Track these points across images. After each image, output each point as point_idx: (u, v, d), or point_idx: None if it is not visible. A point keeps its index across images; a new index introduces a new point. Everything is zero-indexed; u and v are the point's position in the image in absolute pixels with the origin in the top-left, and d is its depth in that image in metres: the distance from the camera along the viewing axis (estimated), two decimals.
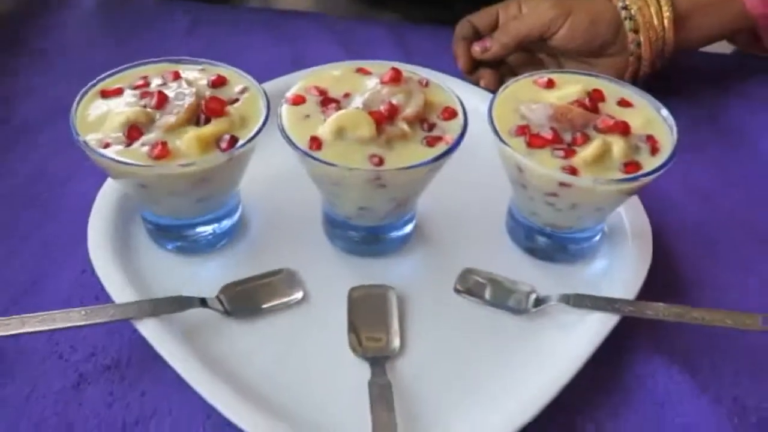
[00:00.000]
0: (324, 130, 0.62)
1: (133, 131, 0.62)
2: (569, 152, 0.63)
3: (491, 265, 0.71)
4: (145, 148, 0.61)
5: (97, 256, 0.67)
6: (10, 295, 0.67)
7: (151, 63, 0.70)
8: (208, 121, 0.64)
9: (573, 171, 0.62)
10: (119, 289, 0.65)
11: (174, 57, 0.71)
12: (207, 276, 0.69)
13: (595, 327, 0.64)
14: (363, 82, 0.69)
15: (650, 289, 0.67)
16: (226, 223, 0.72)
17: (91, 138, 0.62)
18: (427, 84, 0.70)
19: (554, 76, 0.72)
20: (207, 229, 0.71)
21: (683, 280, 0.72)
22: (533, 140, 0.64)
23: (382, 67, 0.71)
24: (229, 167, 0.63)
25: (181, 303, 0.64)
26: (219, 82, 0.68)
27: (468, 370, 0.63)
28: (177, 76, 0.69)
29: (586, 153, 0.63)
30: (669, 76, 0.94)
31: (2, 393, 0.60)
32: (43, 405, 0.59)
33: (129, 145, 0.61)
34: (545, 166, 0.62)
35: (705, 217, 0.80)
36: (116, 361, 0.63)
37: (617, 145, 0.64)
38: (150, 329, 0.61)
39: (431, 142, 0.63)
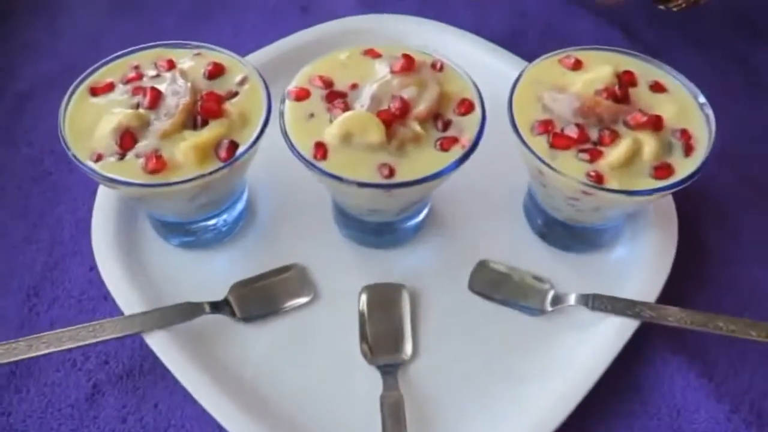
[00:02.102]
0: (330, 134, 0.58)
1: (126, 138, 0.58)
2: (595, 154, 0.58)
3: (507, 253, 0.68)
4: (140, 161, 0.57)
5: (102, 260, 0.65)
6: (26, 289, 0.66)
7: (144, 49, 0.65)
8: (205, 122, 0.59)
9: (598, 177, 0.57)
10: (125, 296, 0.63)
11: (167, 41, 0.65)
12: (215, 272, 0.67)
13: (615, 331, 0.62)
14: (372, 68, 0.63)
15: (675, 277, 0.64)
16: (233, 214, 0.69)
17: (83, 149, 0.58)
18: (441, 68, 0.64)
19: (581, 55, 0.65)
20: (213, 222, 0.68)
21: (709, 264, 0.69)
22: (557, 140, 0.59)
23: (392, 49, 0.64)
24: (230, 175, 0.59)
25: (190, 311, 0.62)
26: (216, 72, 0.63)
27: (482, 378, 0.61)
28: (171, 66, 0.63)
29: (613, 157, 0.58)
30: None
31: (19, 408, 0.60)
32: (59, 420, 0.59)
33: (122, 156, 0.57)
34: (568, 171, 0.57)
35: (734, 190, 0.74)
36: (129, 369, 0.62)
37: (648, 145, 0.58)
38: (158, 342, 0.60)
39: (446, 145, 0.58)
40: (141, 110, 0.59)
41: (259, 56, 0.79)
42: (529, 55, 0.83)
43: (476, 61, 0.81)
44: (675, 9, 0.76)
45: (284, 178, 0.72)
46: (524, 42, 0.88)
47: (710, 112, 0.60)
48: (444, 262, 0.68)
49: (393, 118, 0.58)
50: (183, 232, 0.67)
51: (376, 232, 0.69)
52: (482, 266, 0.67)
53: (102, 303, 0.66)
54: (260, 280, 0.66)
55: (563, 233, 0.68)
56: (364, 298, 0.64)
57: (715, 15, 0.89)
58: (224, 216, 0.68)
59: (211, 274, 0.67)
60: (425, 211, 0.70)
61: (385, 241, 0.69)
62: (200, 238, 0.68)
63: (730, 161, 0.75)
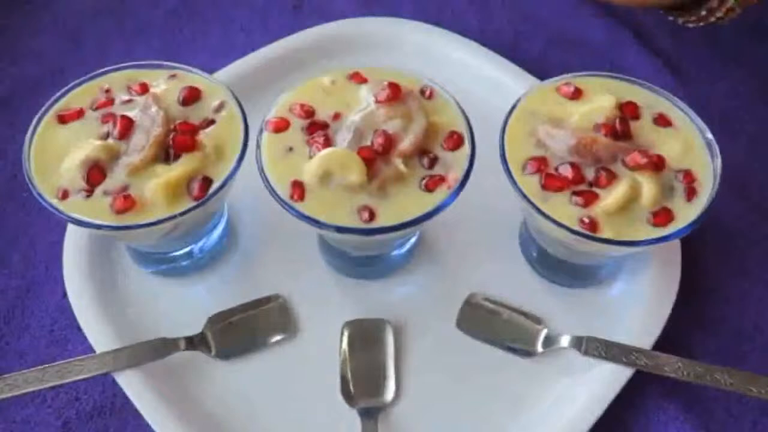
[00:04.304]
0: (308, 172, 0.56)
1: (94, 173, 0.56)
2: (590, 197, 0.56)
3: (499, 286, 0.67)
4: (108, 199, 0.55)
5: (73, 291, 0.64)
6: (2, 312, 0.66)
7: (116, 70, 0.63)
8: (178, 155, 0.57)
9: (592, 224, 0.55)
10: (97, 331, 0.62)
11: (140, 62, 0.63)
12: (192, 302, 0.66)
13: (608, 378, 0.61)
14: (357, 95, 0.61)
15: (676, 316, 0.63)
16: (212, 240, 0.68)
17: (48, 184, 0.56)
18: (431, 95, 0.61)
19: (581, 83, 0.62)
20: (190, 250, 0.67)
21: (713, 304, 0.67)
22: (549, 181, 0.57)
23: (378, 73, 0.62)
24: (204, 211, 0.57)
25: (163, 348, 0.61)
26: (191, 97, 0.61)
27: (467, 425, 0.60)
28: (144, 89, 0.62)
29: (608, 201, 0.56)
30: None
31: None
32: None
33: (90, 193, 0.56)
34: (560, 216, 0.55)
35: (743, 221, 0.72)
36: (100, 407, 0.62)
37: (648, 187, 0.56)
38: (129, 381, 0.59)
39: (431, 184, 0.56)
40: (111, 141, 0.58)
41: (245, 64, 0.78)
42: (532, 64, 0.82)
43: (475, 72, 0.79)
44: (691, 25, 0.73)
45: (267, 200, 0.69)
46: (529, 48, 0.85)
47: (717, 151, 0.58)
48: (432, 295, 0.67)
49: (375, 156, 0.56)
50: (158, 261, 0.66)
51: (361, 263, 0.67)
52: (471, 302, 0.65)
53: (74, 333, 0.65)
54: (239, 313, 0.65)
55: (558, 267, 0.66)
56: (346, 334, 0.63)
57: (733, 24, 0.86)
58: (202, 243, 0.67)
59: (188, 304, 0.66)
60: (414, 240, 0.68)
61: (371, 272, 0.68)
62: (177, 266, 0.67)
63: (740, 188, 0.73)
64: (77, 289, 0.64)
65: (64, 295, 0.66)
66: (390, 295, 0.67)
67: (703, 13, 0.72)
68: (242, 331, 0.64)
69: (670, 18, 0.76)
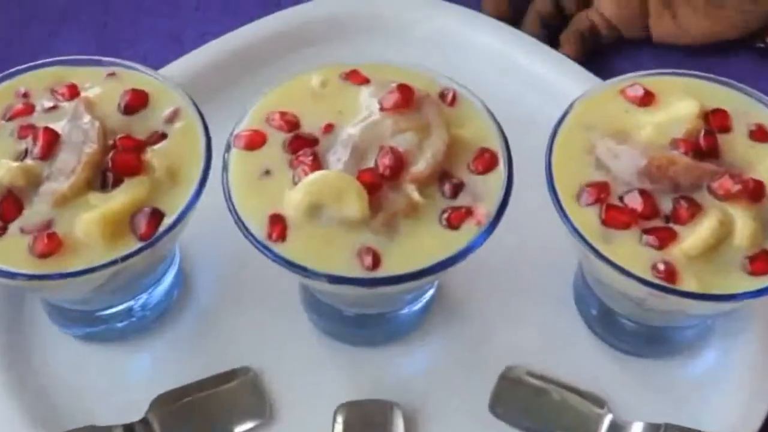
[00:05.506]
0: (292, 204, 0.59)
1: (8, 206, 0.60)
2: (666, 236, 0.60)
3: (547, 356, 0.70)
4: (26, 239, 0.59)
5: None
6: None
7: (35, 68, 0.67)
8: (118, 180, 0.61)
9: (670, 272, 0.58)
10: (2, 418, 0.65)
11: (67, 56, 0.67)
12: (132, 378, 0.70)
13: None
14: (355, 100, 0.65)
15: None
16: (158, 293, 0.71)
17: None
18: (453, 100, 0.65)
19: (653, 83, 0.66)
20: (128, 306, 0.70)
21: None
22: (612, 215, 0.60)
23: (383, 70, 0.66)
24: (152, 255, 0.61)
25: None
26: (136, 104, 0.65)
27: None
28: (74, 93, 0.65)
29: (691, 242, 0.59)
30: None
31: None
32: None
33: (3, 230, 0.59)
34: (627, 261, 0.59)
35: None
36: None
37: (742, 223, 0.60)
38: None
39: (454, 219, 0.60)
40: (30, 161, 0.61)
41: (204, 57, 0.82)
42: (589, 58, 0.86)
43: (512, 69, 0.83)
44: None
45: (235, 240, 0.72)
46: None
47: None
48: (455, 368, 0.70)
49: (380, 181, 0.59)
50: (87, 321, 0.70)
51: (361, 324, 0.70)
52: (510, 377, 0.68)
53: None
54: (195, 392, 0.67)
55: (625, 330, 0.69)
56: (340, 421, 0.66)
57: None
58: (145, 297, 0.70)
59: (127, 380, 0.69)
60: (431, 293, 0.72)
61: (374, 337, 0.71)
62: (112, 328, 0.70)
63: None
64: None
65: None
66: (398, 368, 0.70)
67: None
68: (199, 416, 0.66)
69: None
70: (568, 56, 0.85)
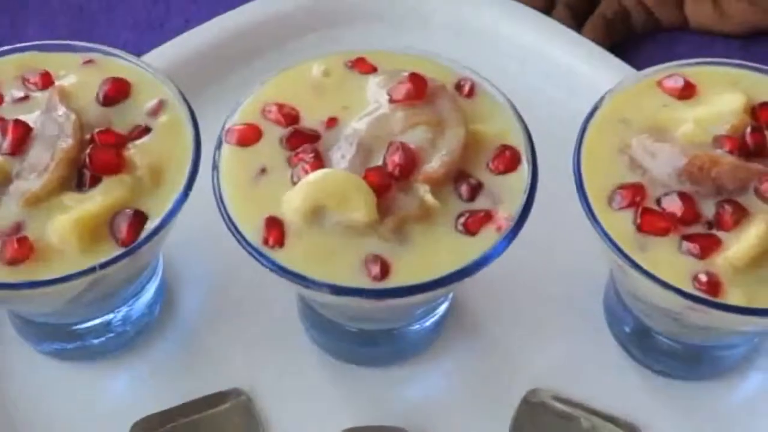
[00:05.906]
0: (291, 206, 0.60)
1: None
2: (709, 244, 0.60)
3: (575, 379, 0.70)
4: None
5: None
6: None
7: (4, 54, 0.67)
8: (96, 179, 0.61)
9: (713, 284, 0.58)
10: None
11: (40, 41, 0.68)
12: (109, 401, 0.70)
13: None
14: (361, 91, 0.65)
15: None
16: (139, 306, 0.72)
17: None
18: (471, 91, 0.66)
19: (693, 73, 0.67)
20: (106, 320, 0.70)
21: None
22: (648, 221, 0.60)
23: (393, 58, 0.66)
24: (133, 263, 0.61)
25: None
26: (117, 94, 0.66)
27: None
28: (47, 82, 0.66)
29: (737, 250, 0.59)
30: None
31: None
32: None
33: None
34: (666, 271, 0.59)
35: None
36: None
37: None
38: None
39: (472, 224, 0.60)
40: None
41: (192, 42, 0.82)
42: (623, 46, 0.86)
43: (537, 56, 0.83)
44: None
45: (226, 246, 0.72)
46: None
47: None
48: (471, 392, 0.70)
49: (390, 182, 0.60)
50: (60, 336, 0.70)
51: (366, 342, 0.71)
52: (533, 401, 0.68)
53: None
54: (179, 417, 0.68)
55: (663, 349, 0.70)
56: None
57: None
58: (124, 310, 0.70)
59: (103, 403, 0.69)
60: (444, 307, 0.72)
61: (378, 355, 0.71)
62: (87, 345, 0.71)
63: None
64: None
65: None
66: (407, 390, 0.70)
67: None
68: None
69: None
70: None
